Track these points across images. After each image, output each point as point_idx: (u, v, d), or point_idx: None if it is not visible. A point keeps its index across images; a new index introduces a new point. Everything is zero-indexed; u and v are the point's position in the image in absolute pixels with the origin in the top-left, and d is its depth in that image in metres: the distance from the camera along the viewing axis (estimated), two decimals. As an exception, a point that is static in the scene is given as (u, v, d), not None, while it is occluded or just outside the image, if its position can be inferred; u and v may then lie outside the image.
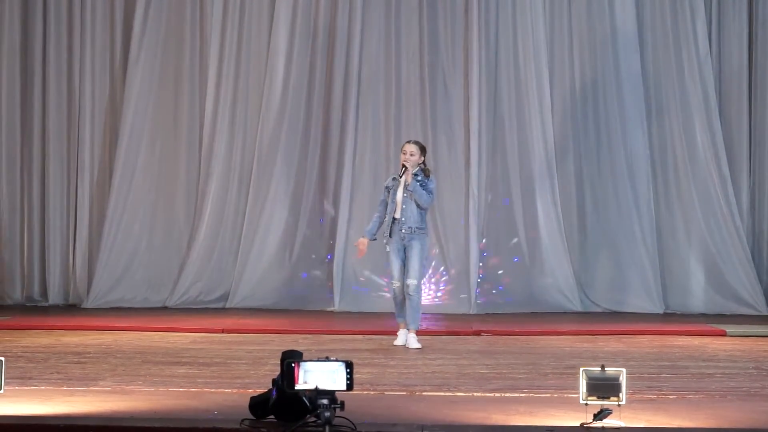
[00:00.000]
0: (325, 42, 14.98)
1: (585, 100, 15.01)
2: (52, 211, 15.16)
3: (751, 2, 15.11)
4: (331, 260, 14.71)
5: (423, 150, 10.63)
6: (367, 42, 14.93)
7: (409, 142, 10.74)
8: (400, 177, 10.50)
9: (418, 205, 10.46)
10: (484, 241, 14.72)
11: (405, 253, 10.51)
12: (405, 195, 10.44)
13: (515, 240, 14.74)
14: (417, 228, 10.46)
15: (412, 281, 10.40)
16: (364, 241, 10.74)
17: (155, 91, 15.04)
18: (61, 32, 15.23)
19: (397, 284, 10.54)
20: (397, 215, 10.47)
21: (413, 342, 10.43)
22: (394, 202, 10.51)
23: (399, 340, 10.62)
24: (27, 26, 15.27)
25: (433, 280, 14.59)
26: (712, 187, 14.70)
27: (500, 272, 14.77)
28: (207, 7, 15.12)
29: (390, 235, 10.53)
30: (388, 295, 14.23)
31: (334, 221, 14.81)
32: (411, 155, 10.46)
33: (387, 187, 10.71)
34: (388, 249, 10.62)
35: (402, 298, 10.53)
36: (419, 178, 10.49)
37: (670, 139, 14.94)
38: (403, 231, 10.45)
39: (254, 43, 15.11)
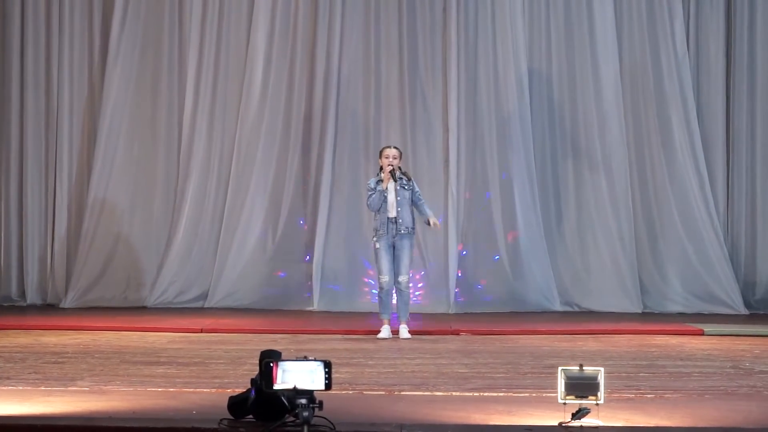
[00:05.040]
0: (304, 42, 14.97)
1: (563, 99, 15.07)
2: (30, 211, 15.13)
3: (729, 3, 15.19)
4: (310, 260, 14.71)
5: (401, 154, 11.57)
6: (346, 42, 14.93)
7: (389, 147, 11.57)
8: (397, 179, 11.26)
9: (411, 207, 11.35)
10: (463, 236, 14.76)
11: (394, 250, 11.26)
12: (399, 198, 11.24)
13: (494, 239, 14.76)
14: (411, 228, 11.33)
15: (404, 277, 11.28)
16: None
17: (134, 91, 15.01)
18: (39, 32, 15.19)
19: (386, 278, 11.27)
20: (393, 215, 11.22)
21: (405, 332, 11.23)
22: (386, 202, 11.25)
23: (383, 334, 11.25)
24: (5, 26, 15.23)
25: (411, 277, 14.60)
26: (690, 187, 14.77)
27: (479, 272, 14.80)
28: (186, 7, 15.10)
29: (386, 233, 11.24)
30: (367, 295, 14.31)
31: (313, 221, 14.81)
32: (394, 158, 11.30)
33: (373, 188, 11.32)
34: (377, 246, 11.32)
35: (388, 292, 11.28)
36: (404, 181, 11.33)
37: (648, 140, 15.00)
38: (399, 230, 11.22)
39: (233, 43, 15.10)
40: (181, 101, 15.08)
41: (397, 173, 11.30)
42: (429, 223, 11.47)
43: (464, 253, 14.77)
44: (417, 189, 11.43)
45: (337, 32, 14.87)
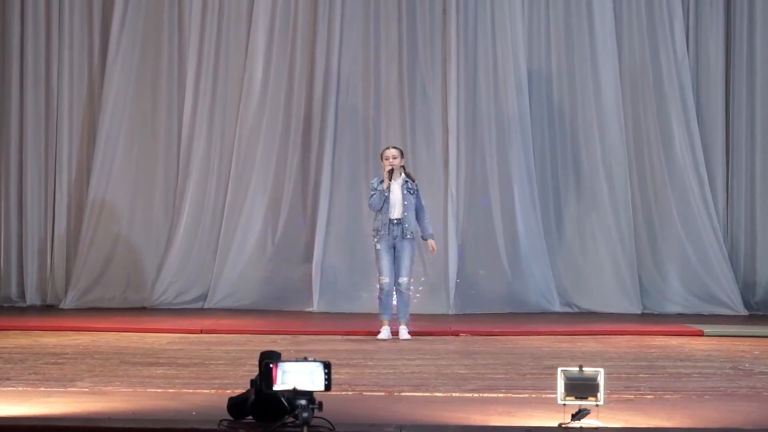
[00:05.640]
0: (304, 42, 14.97)
1: (563, 100, 15.07)
2: (30, 211, 15.13)
3: (729, 4, 15.18)
4: (310, 260, 14.70)
5: (402, 153, 11.45)
6: (346, 43, 14.92)
7: (388, 147, 11.55)
8: (403, 181, 11.29)
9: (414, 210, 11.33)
10: (462, 237, 14.76)
11: (395, 252, 11.23)
12: (406, 203, 11.21)
13: (493, 240, 14.75)
14: (412, 231, 11.26)
15: (404, 279, 11.25)
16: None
17: (133, 90, 15.01)
18: (39, 32, 15.19)
19: (386, 280, 11.24)
20: (398, 216, 11.21)
21: (404, 333, 11.23)
22: (388, 202, 11.16)
23: (382, 335, 11.23)
24: (4, 26, 15.24)
25: (411, 280, 14.58)
26: (690, 189, 14.77)
27: (479, 272, 14.79)
28: (185, 6, 15.10)
29: (387, 234, 11.19)
30: (365, 295, 14.30)
31: (313, 221, 14.81)
32: (394, 159, 11.26)
33: (376, 188, 11.27)
34: (378, 247, 11.29)
35: (388, 293, 11.25)
36: (410, 184, 11.32)
37: (648, 141, 15.00)
38: (404, 233, 11.19)
39: (233, 43, 15.10)
40: (180, 101, 15.08)
41: (401, 173, 11.30)
42: (425, 239, 11.48)
43: (463, 254, 14.75)
44: (422, 200, 11.42)
45: (336, 32, 14.86)
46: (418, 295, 14.39)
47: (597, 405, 5.83)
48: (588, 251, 14.96)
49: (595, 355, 9.78)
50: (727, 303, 14.54)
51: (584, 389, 5.84)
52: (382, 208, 11.21)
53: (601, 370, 5.91)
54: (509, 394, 7.29)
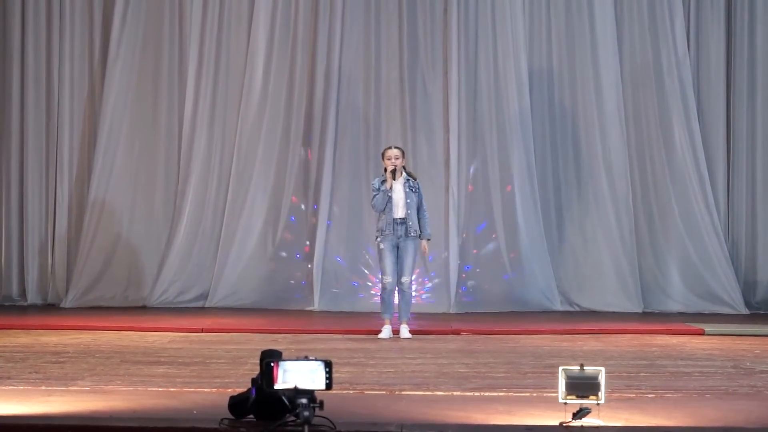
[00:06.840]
0: (305, 42, 14.98)
1: (564, 99, 15.07)
2: (31, 211, 15.13)
3: (729, 3, 15.18)
4: (311, 259, 14.69)
5: (403, 153, 11.45)
6: (347, 42, 14.93)
7: (390, 147, 11.50)
8: (405, 180, 11.27)
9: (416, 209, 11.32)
10: (463, 236, 14.75)
11: (398, 251, 11.23)
12: (408, 201, 11.17)
13: (495, 239, 14.75)
14: (416, 230, 11.25)
15: (406, 278, 11.25)
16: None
17: (134, 90, 15.02)
18: (40, 32, 15.20)
19: (389, 279, 11.22)
20: (401, 215, 11.20)
21: (405, 332, 11.22)
22: (391, 202, 11.16)
23: (383, 334, 11.22)
24: (5, 26, 15.25)
25: (414, 280, 14.59)
26: (691, 187, 14.77)
27: (479, 271, 14.79)
28: (186, 6, 15.11)
29: (392, 233, 11.19)
30: (367, 295, 14.29)
31: (314, 221, 14.80)
32: (396, 159, 11.24)
33: (378, 189, 11.27)
34: (382, 246, 11.26)
35: (391, 293, 11.25)
36: (411, 183, 11.30)
37: (649, 140, 15.01)
38: (408, 231, 11.19)
39: (233, 42, 15.10)
40: (181, 101, 15.08)
41: (402, 173, 11.29)
42: (421, 238, 11.37)
43: (464, 252, 14.74)
44: (423, 200, 11.40)
45: (337, 32, 14.86)
46: (420, 292, 14.40)
47: (598, 404, 5.83)
48: (589, 250, 14.96)
49: (596, 354, 9.78)
50: (728, 302, 14.55)
51: (585, 388, 5.83)
52: (385, 208, 11.20)
53: (602, 369, 5.90)
54: (510, 393, 7.29)
